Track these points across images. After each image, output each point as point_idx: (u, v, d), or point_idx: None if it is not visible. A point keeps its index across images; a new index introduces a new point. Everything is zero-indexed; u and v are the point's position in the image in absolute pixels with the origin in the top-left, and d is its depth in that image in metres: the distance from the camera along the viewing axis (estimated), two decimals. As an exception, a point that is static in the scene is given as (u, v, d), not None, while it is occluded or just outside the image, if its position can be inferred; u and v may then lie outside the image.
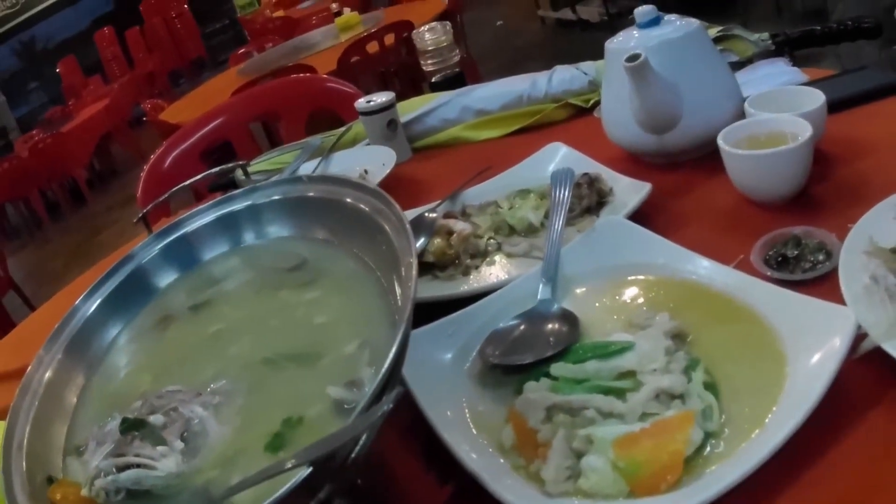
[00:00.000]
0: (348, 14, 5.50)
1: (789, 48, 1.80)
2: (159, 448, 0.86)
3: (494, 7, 10.00)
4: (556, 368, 1.01)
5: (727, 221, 1.32)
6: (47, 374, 1.03)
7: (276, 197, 1.16)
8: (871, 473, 0.81)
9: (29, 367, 1.03)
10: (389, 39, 4.59)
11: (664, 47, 1.43)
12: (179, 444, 0.87)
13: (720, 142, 1.30)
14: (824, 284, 1.04)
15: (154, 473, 0.84)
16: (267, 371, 0.95)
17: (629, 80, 1.39)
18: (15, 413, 0.97)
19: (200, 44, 13.58)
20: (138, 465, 0.84)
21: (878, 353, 0.89)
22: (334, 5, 5.77)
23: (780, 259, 1.14)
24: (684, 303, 1.09)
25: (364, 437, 0.75)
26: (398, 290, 0.92)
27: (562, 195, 1.34)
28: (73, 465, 0.93)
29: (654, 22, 1.47)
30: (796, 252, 1.14)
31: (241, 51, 6.88)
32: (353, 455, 0.75)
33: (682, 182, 1.45)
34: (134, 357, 1.09)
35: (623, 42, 1.51)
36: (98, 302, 1.12)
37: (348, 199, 1.06)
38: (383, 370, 0.74)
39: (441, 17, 4.47)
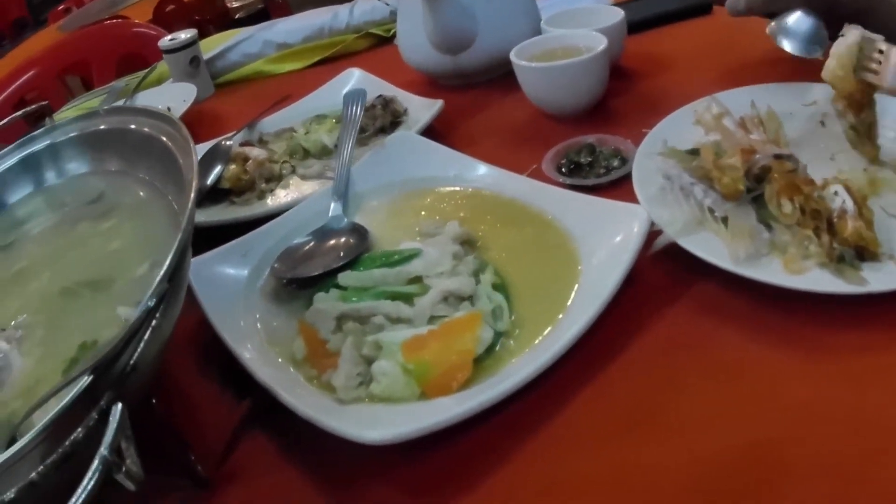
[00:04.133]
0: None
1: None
2: None
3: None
4: (344, 278, 0.96)
5: (522, 135, 1.29)
6: None
7: (73, 133, 1.10)
8: (667, 369, 0.80)
9: None
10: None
11: (459, -32, 1.39)
12: None
13: (513, 57, 1.27)
14: (619, 189, 1.02)
15: None
16: (65, 301, 0.90)
17: (422, 1, 1.34)
18: None
19: (22, 2, 12.88)
20: None
21: (673, 251, 0.89)
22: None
23: (572, 166, 1.12)
24: (475, 211, 1.05)
25: (144, 339, 0.69)
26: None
27: (353, 113, 1.29)
28: None
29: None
30: (590, 159, 1.12)
31: (61, 7, 6.53)
32: (132, 361, 0.69)
33: (477, 101, 1.42)
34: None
35: (417, -34, 1.45)
36: None
37: (141, 128, 1.00)
38: (160, 273, 0.69)
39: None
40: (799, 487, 0.65)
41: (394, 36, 1.85)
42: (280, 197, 1.28)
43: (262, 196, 1.28)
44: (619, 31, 1.33)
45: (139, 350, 0.69)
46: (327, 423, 0.76)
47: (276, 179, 1.32)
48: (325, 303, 0.93)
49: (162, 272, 0.70)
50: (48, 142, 1.12)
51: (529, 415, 0.78)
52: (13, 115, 1.48)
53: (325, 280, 0.99)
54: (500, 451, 0.75)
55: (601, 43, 1.23)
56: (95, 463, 0.59)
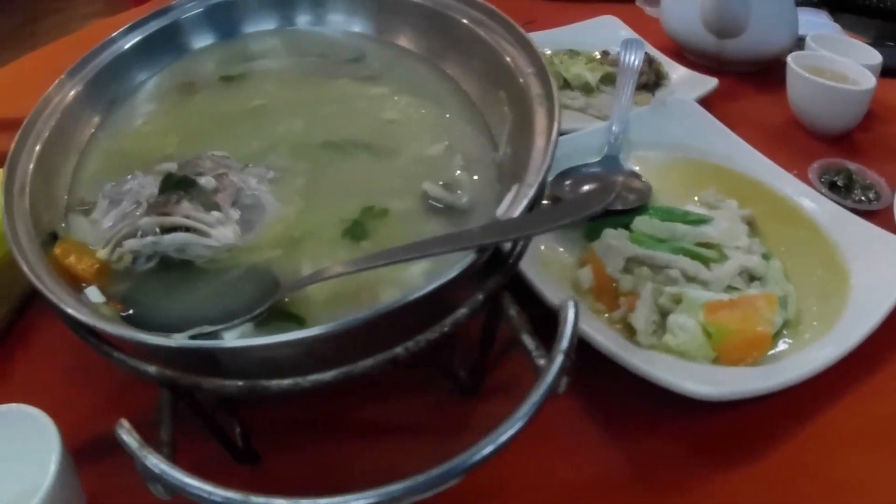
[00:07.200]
0: None
1: (830, 6, 1.79)
2: (214, 213, 0.75)
3: None
4: (640, 222, 0.97)
5: (778, 137, 1.29)
6: (65, 101, 0.89)
7: None
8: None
9: (49, 90, 0.89)
10: None
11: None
12: (235, 213, 0.76)
13: (791, 63, 1.27)
14: (871, 220, 1.02)
15: (205, 241, 0.72)
16: (332, 155, 0.85)
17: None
18: (17, 152, 0.81)
19: None
20: (187, 229, 0.72)
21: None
22: None
23: (829, 184, 1.14)
24: (748, 196, 1.05)
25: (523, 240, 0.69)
26: (506, 109, 0.86)
27: (631, 61, 1.28)
28: (77, 223, 0.80)
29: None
30: (847, 183, 1.14)
31: None
32: (517, 249, 0.68)
33: (730, 90, 1.41)
34: (152, 117, 0.95)
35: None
36: (134, 41, 0.99)
37: (453, 13, 0.96)
38: (540, 176, 0.69)
39: None
40: None
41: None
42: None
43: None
44: (877, 71, 1.34)
45: (521, 243, 0.69)
46: (640, 367, 0.77)
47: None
48: (618, 240, 0.94)
49: (544, 172, 0.69)
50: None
51: (796, 407, 0.81)
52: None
53: (608, 216, 0.98)
54: (770, 434, 0.80)
55: (871, 80, 1.24)
56: (559, 359, 0.57)
